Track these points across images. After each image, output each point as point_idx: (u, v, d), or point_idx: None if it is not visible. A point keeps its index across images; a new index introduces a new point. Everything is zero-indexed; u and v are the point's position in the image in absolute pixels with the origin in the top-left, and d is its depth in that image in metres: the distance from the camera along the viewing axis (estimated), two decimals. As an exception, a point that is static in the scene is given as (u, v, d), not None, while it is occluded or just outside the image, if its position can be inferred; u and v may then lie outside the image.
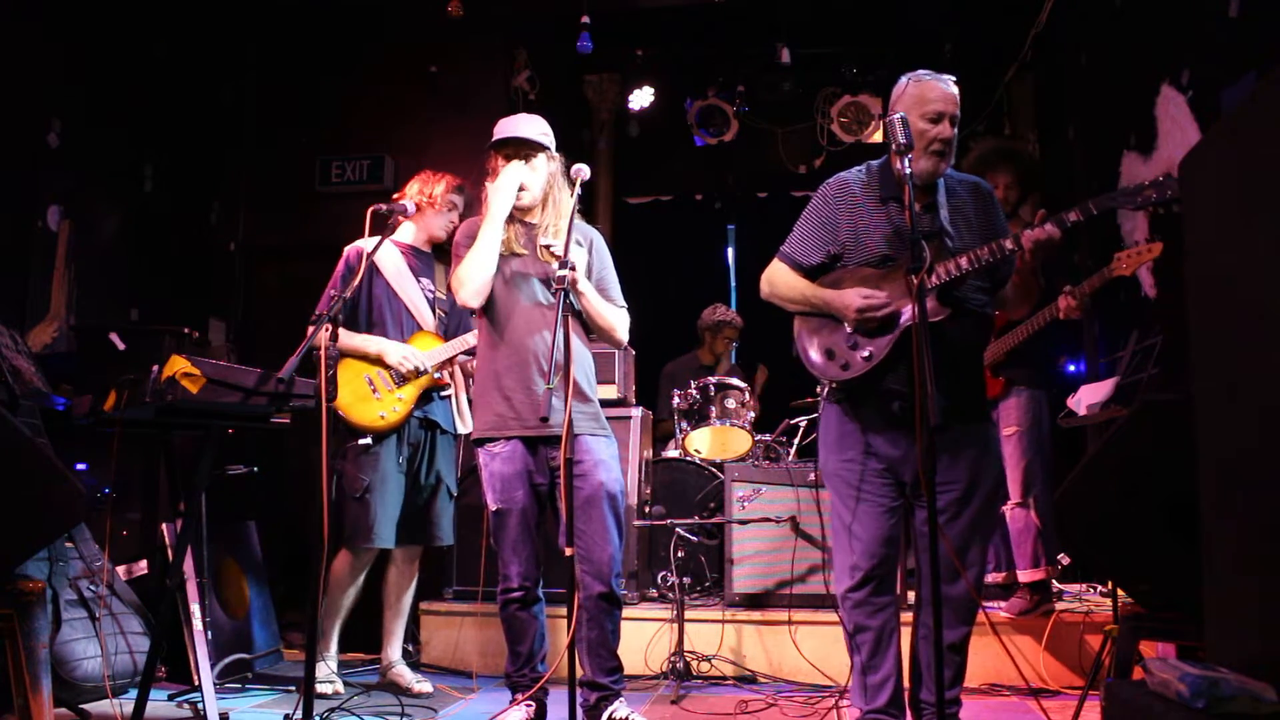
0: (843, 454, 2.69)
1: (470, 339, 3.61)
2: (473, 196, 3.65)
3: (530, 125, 3.12)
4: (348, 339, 3.55)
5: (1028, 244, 2.52)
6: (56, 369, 3.63)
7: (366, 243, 3.68)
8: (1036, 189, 4.00)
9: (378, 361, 3.57)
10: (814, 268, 2.74)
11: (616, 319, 3.13)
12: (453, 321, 3.81)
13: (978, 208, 2.71)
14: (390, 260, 3.70)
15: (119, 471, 3.37)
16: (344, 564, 3.59)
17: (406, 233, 3.79)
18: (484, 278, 2.99)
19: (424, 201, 3.73)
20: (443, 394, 3.70)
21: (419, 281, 3.75)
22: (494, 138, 3.12)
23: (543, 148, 3.11)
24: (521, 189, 3.04)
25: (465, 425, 3.75)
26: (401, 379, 3.57)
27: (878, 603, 2.62)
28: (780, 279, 2.78)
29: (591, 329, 3.15)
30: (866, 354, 2.63)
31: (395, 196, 3.79)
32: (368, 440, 3.53)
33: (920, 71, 2.67)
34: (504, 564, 3.01)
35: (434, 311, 3.75)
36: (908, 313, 2.55)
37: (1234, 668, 1.68)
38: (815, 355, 2.73)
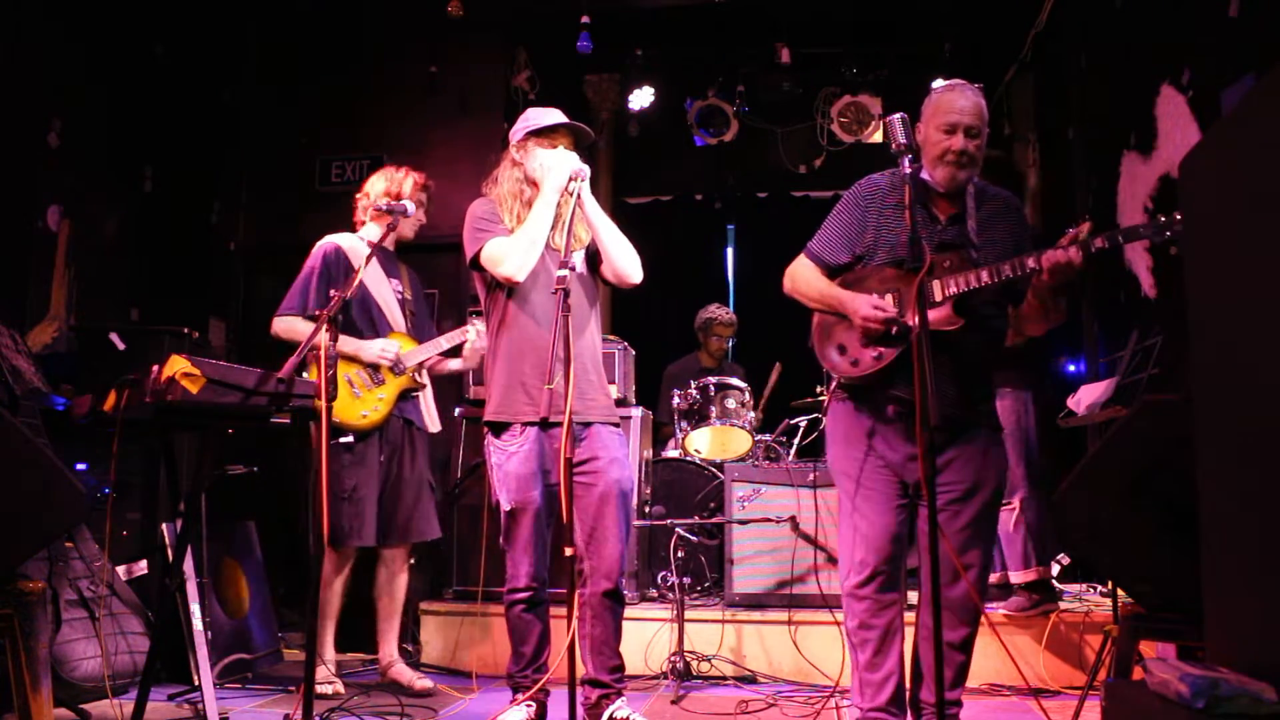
0: (850, 449, 2.70)
1: (444, 342, 3.62)
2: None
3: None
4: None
5: (1046, 264, 2.45)
6: (56, 369, 3.64)
7: (340, 239, 3.67)
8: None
9: (353, 360, 3.56)
10: (839, 267, 2.75)
11: (628, 247, 3.05)
12: (420, 324, 3.80)
13: (1007, 222, 2.68)
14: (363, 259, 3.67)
15: (119, 471, 3.36)
16: (329, 564, 3.57)
17: (373, 231, 3.71)
18: (536, 253, 2.93)
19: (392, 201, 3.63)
20: (413, 394, 3.71)
21: (389, 282, 3.72)
22: (530, 123, 3.06)
23: (588, 144, 3.09)
24: (575, 177, 2.94)
25: (434, 424, 3.78)
26: (380, 379, 3.56)
27: (883, 600, 2.61)
28: (802, 276, 2.79)
29: (604, 265, 3.07)
30: (877, 354, 2.62)
31: (356, 196, 3.77)
32: (349, 439, 3.53)
33: (952, 81, 2.67)
34: (514, 564, 2.98)
35: (404, 313, 3.73)
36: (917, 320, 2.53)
37: (1234, 668, 1.68)
38: (829, 349, 2.74)
